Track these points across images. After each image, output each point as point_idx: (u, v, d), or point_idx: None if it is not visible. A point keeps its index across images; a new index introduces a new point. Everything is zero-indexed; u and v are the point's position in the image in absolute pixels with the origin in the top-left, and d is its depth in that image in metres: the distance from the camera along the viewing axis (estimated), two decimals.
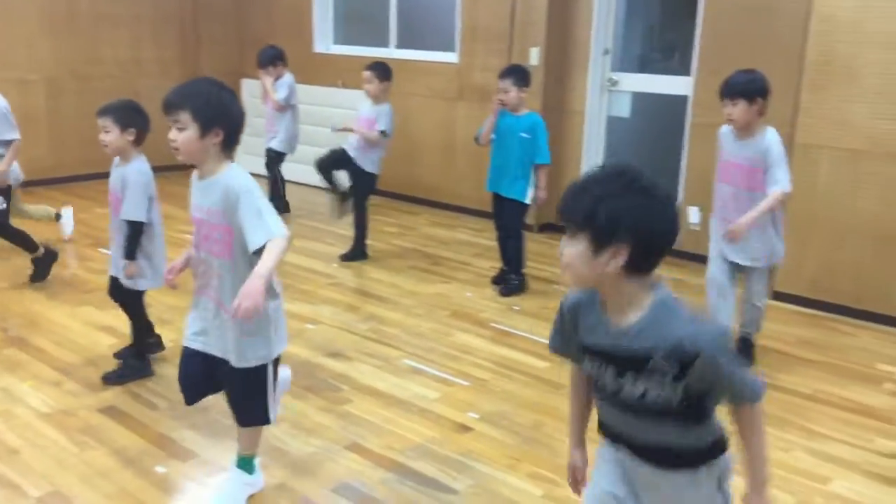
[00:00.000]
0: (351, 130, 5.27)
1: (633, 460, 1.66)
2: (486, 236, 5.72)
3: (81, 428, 3.09)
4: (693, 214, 5.41)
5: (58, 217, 5.53)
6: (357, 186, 5.35)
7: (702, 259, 5.23)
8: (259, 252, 2.25)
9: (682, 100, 5.56)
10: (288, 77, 6.29)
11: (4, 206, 4.62)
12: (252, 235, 2.26)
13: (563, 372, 3.60)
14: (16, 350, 3.79)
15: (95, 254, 5.28)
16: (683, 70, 5.59)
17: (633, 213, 1.45)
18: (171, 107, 2.29)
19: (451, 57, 6.68)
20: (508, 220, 4.82)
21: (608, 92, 6.00)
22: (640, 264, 1.49)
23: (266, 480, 2.76)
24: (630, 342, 1.53)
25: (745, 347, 3.80)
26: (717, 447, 1.64)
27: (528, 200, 4.75)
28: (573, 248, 1.50)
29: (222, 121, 2.30)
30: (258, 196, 2.31)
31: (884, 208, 4.37)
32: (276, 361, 2.55)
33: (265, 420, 2.57)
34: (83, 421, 3.15)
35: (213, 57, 8.08)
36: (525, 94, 4.67)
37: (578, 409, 1.83)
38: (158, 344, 3.71)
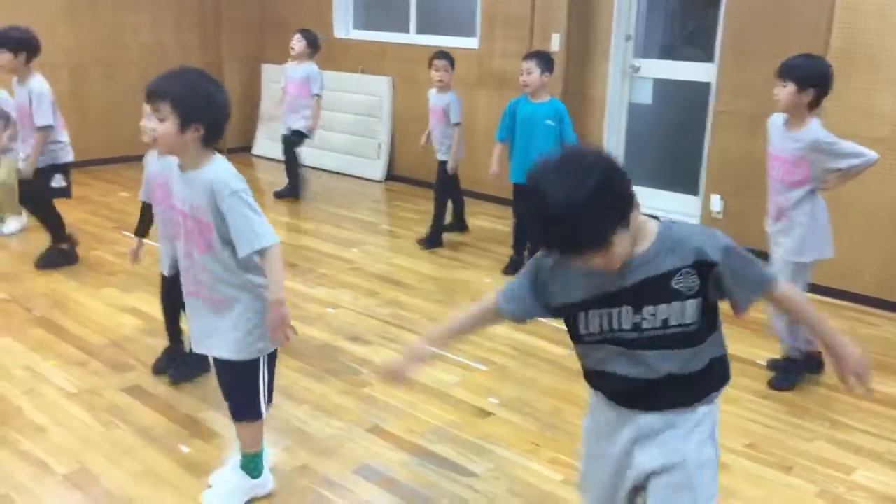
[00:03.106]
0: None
1: (632, 413, 1.70)
2: (505, 223, 5.71)
3: (107, 407, 3.14)
4: (715, 202, 5.38)
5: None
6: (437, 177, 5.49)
7: None
8: (249, 256, 2.26)
9: (704, 87, 5.51)
10: (316, 67, 6.28)
11: (64, 183, 4.63)
12: (242, 242, 2.23)
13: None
14: (41, 330, 3.84)
15: (119, 237, 5.32)
16: (706, 57, 5.54)
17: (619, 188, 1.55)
18: (152, 95, 2.21)
19: (471, 43, 6.66)
20: None
21: (630, 78, 5.96)
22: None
23: (288, 462, 2.79)
24: (648, 270, 1.58)
25: (785, 366, 3.53)
26: (722, 368, 1.72)
27: None
28: (615, 243, 1.55)
29: (204, 116, 2.21)
30: (246, 198, 2.24)
31: None
32: (272, 358, 2.49)
33: (258, 413, 2.49)
34: (108, 401, 3.19)
35: (233, 42, 8.10)
36: (547, 79, 4.66)
37: (462, 325, 1.92)
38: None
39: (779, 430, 3.09)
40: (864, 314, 4.43)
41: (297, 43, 6.23)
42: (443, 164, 5.42)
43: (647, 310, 1.60)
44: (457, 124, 5.29)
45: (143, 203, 3.41)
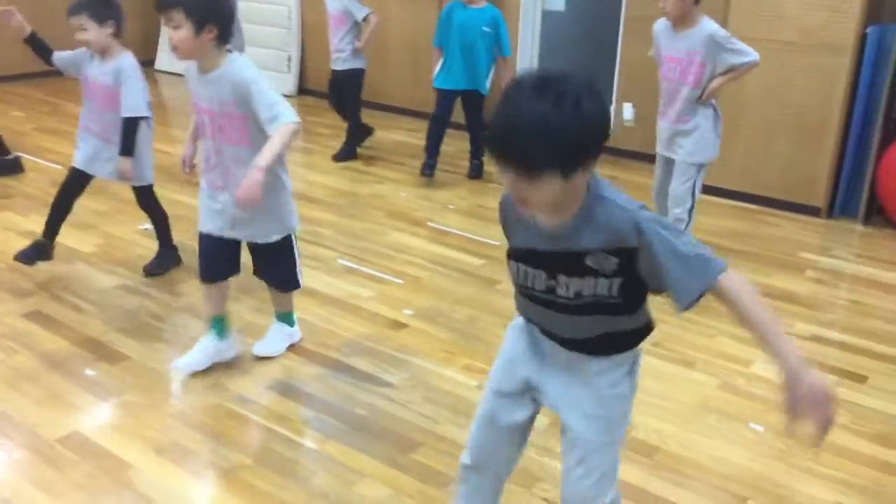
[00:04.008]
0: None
1: (559, 349, 1.65)
2: (420, 136, 5.63)
3: (6, 334, 3.01)
4: (627, 111, 5.42)
5: None
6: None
7: (635, 155, 5.29)
8: None
9: None
10: None
11: None
12: (268, 125, 2.41)
13: (498, 269, 3.66)
14: None
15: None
16: None
17: (568, 134, 1.33)
18: (164, 6, 2.36)
19: None
20: (480, 112, 4.89)
21: None
22: (577, 165, 1.37)
23: (200, 380, 2.75)
24: (564, 242, 1.48)
25: None
26: (642, 333, 1.65)
27: (486, 91, 4.82)
28: (545, 187, 1.37)
29: (215, 17, 2.39)
30: (266, 85, 2.43)
31: (811, 100, 4.43)
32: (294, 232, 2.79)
33: (296, 284, 2.86)
34: (7, 326, 3.06)
35: None
36: None
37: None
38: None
39: (682, 328, 3.20)
40: (768, 215, 4.59)
41: None
42: (346, 72, 5.22)
43: (561, 279, 1.51)
44: (365, 18, 5.09)
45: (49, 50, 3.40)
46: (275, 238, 2.71)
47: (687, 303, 1.43)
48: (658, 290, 1.50)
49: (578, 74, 1.37)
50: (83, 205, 3.75)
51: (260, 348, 2.93)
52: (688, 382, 2.88)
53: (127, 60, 3.27)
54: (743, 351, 3.05)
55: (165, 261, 3.60)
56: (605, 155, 5.46)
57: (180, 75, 7.36)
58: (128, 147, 3.29)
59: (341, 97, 5.35)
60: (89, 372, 2.80)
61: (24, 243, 3.79)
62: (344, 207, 4.50)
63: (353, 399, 2.70)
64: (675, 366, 2.97)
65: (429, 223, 4.30)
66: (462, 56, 4.69)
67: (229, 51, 2.50)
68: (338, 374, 2.85)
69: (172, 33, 2.38)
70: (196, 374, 2.77)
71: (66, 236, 3.54)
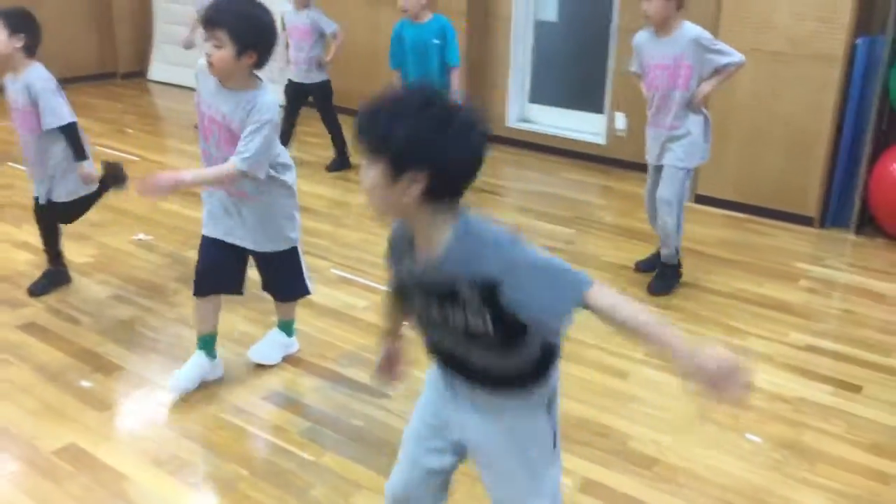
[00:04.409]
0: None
1: (466, 383, 1.61)
2: None
3: (1, 345, 3.00)
4: (619, 120, 5.45)
5: None
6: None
7: (628, 165, 5.32)
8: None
9: (608, 3, 5.50)
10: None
11: None
12: (233, 154, 2.45)
13: None
14: None
15: (5, 168, 5.02)
16: None
17: (432, 137, 1.35)
18: (210, 23, 2.36)
19: None
20: None
21: None
22: (441, 192, 1.39)
23: (195, 390, 2.74)
24: (437, 274, 1.45)
25: (663, 272, 3.69)
26: (542, 368, 1.58)
27: None
28: (371, 175, 1.39)
29: (258, 43, 2.40)
30: (267, 131, 2.45)
31: (802, 110, 4.47)
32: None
33: (306, 291, 2.88)
34: (2, 338, 3.05)
35: None
36: (426, 0, 4.56)
37: (391, 328, 1.80)
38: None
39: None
40: (761, 224, 4.62)
41: None
42: (316, 85, 5.27)
43: (447, 307, 1.47)
44: (334, 33, 5.16)
45: None
46: (271, 248, 2.70)
47: (559, 321, 1.40)
48: (533, 322, 1.44)
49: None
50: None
51: (255, 353, 2.92)
52: (684, 393, 2.88)
53: (35, 73, 3.14)
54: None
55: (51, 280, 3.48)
56: (598, 164, 5.51)
57: (174, 85, 7.40)
58: (79, 152, 3.21)
59: (298, 108, 5.37)
60: (85, 383, 2.78)
61: (19, 254, 3.78)
62: (338, 218, 4.51)
63: (350, 410, 2.70)
64: (670, 376, 2.98)
65: None
66: (418, 73, 4.63)
67: (261, 81, 2.53)
68: (335, 384, 2.85)
69: (213, 51, 2.37)
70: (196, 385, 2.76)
71: (63, 247, 3.53)
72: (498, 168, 5.62)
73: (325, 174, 5.29)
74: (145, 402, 2.71)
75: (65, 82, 3.31)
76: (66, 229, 3.51)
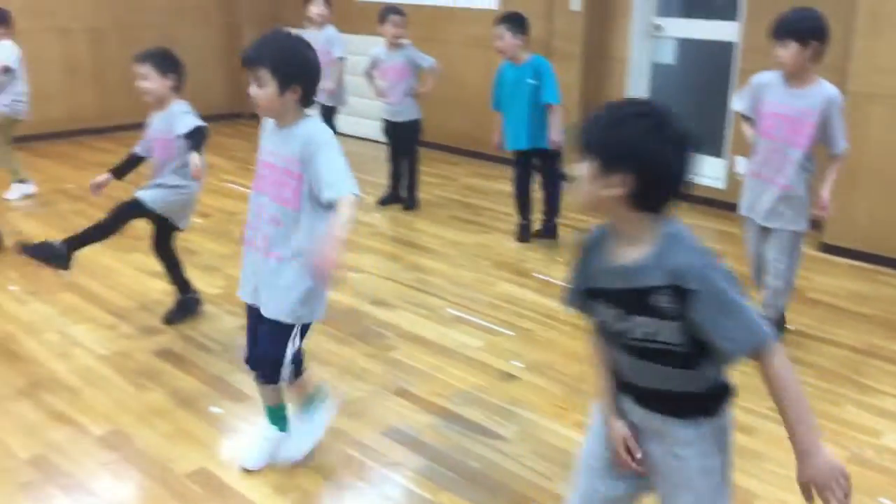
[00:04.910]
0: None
1: (638, 408, 1.65)
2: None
3: (138, 370, 3.19)
4: (739, 164, 5.32)
5: (20, 180, 5.41)
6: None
7: None
8: (331, 206, 2.25)
9: (729, 46, 5.43)
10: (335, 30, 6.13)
11: None
12: (327, 188, 2.27)
13: None
14: (71, 294, 3.90)
15: None
16: (730, 15, 5.45)
17: (642, 144, 1.47)
18: (250, 62, 2.31)
19: (489, 2, 6.58)
20: (551, 168, 4.79)
21: (652, 38, 5.88)
22: (647, 198, 1.50)
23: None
24: (633, 279, 1.53)
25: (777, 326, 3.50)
26: (718, 396, 1.62)
27: (550, 146, 4.70)
28: (583, 170, 1.53)
29: (300, 78, 2.32)
30: (337, 151, 2.33)
31: None
32: (304, 330, 2.50)
33: (276, 378, 2.50)
34: (139, 363, 3.24)
35: (252, 4, 8.05)
36: (521, 41, 4.57)
37: (608, 378, 1.74)
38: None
39: (806, 395, 3.08)
40: (891, 276, 4.40)
41: (322, 7, 5.89)
42: (410, 123, 5.36)
43: (633, 318, 1.55)
44: (430, 67, 5.28)
45: (135, 154, 3.63)
46: (281, 318, 2.42)
47: (733, 353, 1.48)
48: (710, 342, 1.49)
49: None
50: (208, 248, 3.98)
51: (286, 453, 2.63)
52: None
53: (178, 106, 3.39)
54: (872, 421, 2.92)
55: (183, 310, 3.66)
56: (717, 209, 5.37)
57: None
58: (197, 145, 3.32)
59: (399, 146, 5.48)
60: (215, 409, 2.93)
61: (154, 283, 4.02)
62: (452, 257, 4.58)
63: (465, 450, 2.72)
64: None
65: (536, 275, 4.33)
66: (517, 114, 4.65)
67: (308, 114, 2.43)
68: (449, 423, 2.88)
69: (257, 90, 2.32)
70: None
71: (193, 278, 3.73)
72: None
73: (439, 211, 5.39)
74: None
75: (205, 118, 3.53)
76: (197, 261, 3.70)
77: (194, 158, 3.28)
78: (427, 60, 5.27)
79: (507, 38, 4.51)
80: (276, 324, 2.42)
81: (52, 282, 4.03)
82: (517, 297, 4.01)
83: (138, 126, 7.19)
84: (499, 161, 6.56)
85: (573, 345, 3.50)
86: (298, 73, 2.32)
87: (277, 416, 2.63)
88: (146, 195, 3.47)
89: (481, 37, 6.61)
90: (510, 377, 3.22)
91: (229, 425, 2.84)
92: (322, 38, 5.68)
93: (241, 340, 3.40)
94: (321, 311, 2.49)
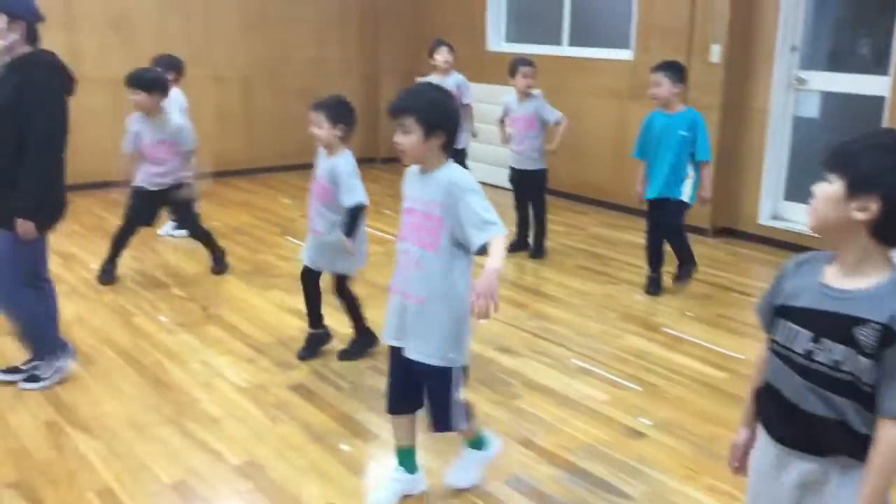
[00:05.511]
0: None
1: (790, 453, 1.63)
2: None
3: (274, 403, 3.33)
4: None
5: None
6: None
7: None
8: (481, 250, 2.36)
9: (878, 101, 5.19)
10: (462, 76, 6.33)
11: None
12: (477, 233, 2.36)
13: (743, 384, 3.49)
14: (214, 327, 4.13)
15: (283, 241, 5.63)
16: (880, 69, 5.22)
17: (888, 172, 1.46)
18: (397, 112, 2.43)
19: (625, 54, 6.59)
20: (671, 219, 4.71)
21: (795, 91, 5.70)
22: (887, 229, 1.49)
23: (441, 468, 2.85)
24: (848, 306, 1.51)
25: None
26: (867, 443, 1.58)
27: (688, 199, 4.63)
28: (824, 189, 1.53)
29: (444, 124, 2.43)
30: (480, 194, 2.42)
31: None
32: (465, 369, 2.59)
33: (447, 426, 2.57)
34: (275, 396, 3.39)
35: (389, 55, 8.40)
36: (679, 90, 4.54)
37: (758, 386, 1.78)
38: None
39: None
40: None
41: (447, 55, 6.16)
42: (538, 172, 5.40)
43: (825, 343, 1.54)
44: (557, 122, 5.30)
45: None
46: (431, 362, 2.49)
47: (885, 411, 1.48)
48: (876, 388, 1.49)
49: None
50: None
51: (453, 478, 2.76)
52: None
53: (342, 158, 3.54)
54: None
55: (361, 345, 3.80)
56: None
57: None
58: (351, 229, 3.52)
59: (525, 194, 5.51)
60: (345, 447, 3.01)
61: (291, 320, 4.20)
62: (578, 307, 4.55)
63: None
64: None
65: (665, 329, 4.23)
66: (661, 164, 4.58)
67: (449, 158, 2.52)
68: (573, 477, 2.85)
69: (402, 138, 2.43)
70: (436, 460, 2.89)
71: (326, 316, 3.87)
72: (748, 267, 5.41)
73: (566, 260, 5.38)
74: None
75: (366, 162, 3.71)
76: (333, 300, 3.84)
77: (347, 243, 3.51)
78: (554, 115, 5.31)
79: (665, 86, 4.51)
80: (431, 371, 2.49)
81: (199, 315, 4.30)
82: (645, 351, 3.93)
83: (282, 168, 7.70)
84: (626, 211, 6.51)
85: (703, 403, 3.39)
86: (442, 120, 2.42)
87: (408, 458, 2.70)
88: (329, 266, 3.71)
89: (612, 87, 6.63)
90: (637, 434, 3.15)
91: (358, 463, 2.92)
92: (451, 84, 5.86)
93: (371, 380, 3.55)
94: (467, 354, 2.57)
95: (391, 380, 2.65)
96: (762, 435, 1.75)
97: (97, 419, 3.18)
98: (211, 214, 6.29)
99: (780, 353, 1.64)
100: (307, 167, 7.63)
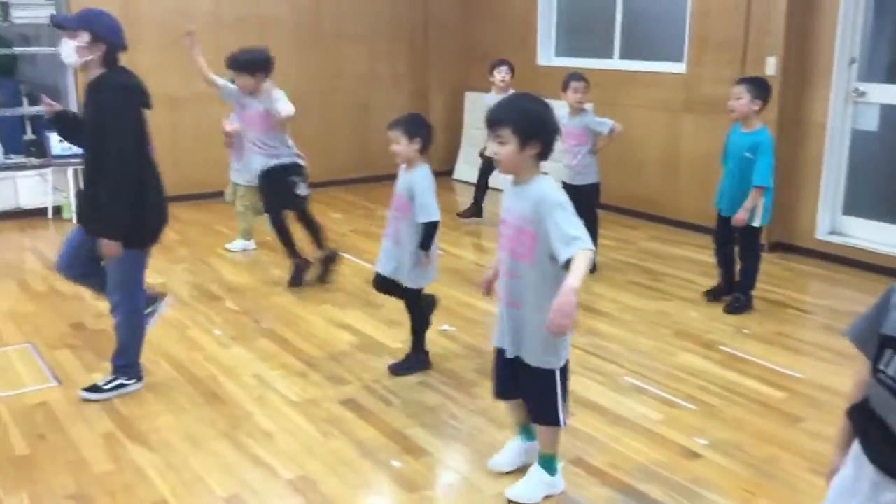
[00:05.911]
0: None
1: (892, 481, 1.57)
2: (709, 253, 5.49)
3: (326, 418, 3.35)
4: None
5: (246, 238, 5.88)
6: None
7: None
8: (567, 265, 2.40)
9: None
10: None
11: (308, 192, 5.10)
12: (563, 248, 2.42)
13: (802, 404, 3.42)
14: (267, 341, 4.18)
15: (342, 259, 5.68)
16: None
17: None
18: (494, 123, 2.51)
19: (677, 67, 6.51)
20: (745, 242, 4.62)
21: (853, 104, 5.56)
22: None
23: (493, 486, 2.84)
24: None
25: None
26: None
27: (757, 223, 4.51)
28: None
29: (540, 135, 2.50)
30: (570, 211, 2.49)
31: None
32: (565, 369, 2.69)
33: (556, 422, 2.70)
34: (327, 411, 3.41)
35: (440, 71, 8.44)
36: (758, 107, 4.43)
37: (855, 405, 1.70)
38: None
39: None
40: None
41: (506, 74, 6.33)
42: (590, 186, 5.33)
43: None
44: (611, 130, 5.23)
45: None
46: (530, 363, 2.66)
47: None
48: None
49: None
50: (392, 303, 4.13)
51: (514, 491, 2.77)
52: None
53: (420, 173, 3.59)
54: None
55: (414, 363, 3.79)
56: None
57: (473, 184, 7.98)
58: (426, 244, 3.58)
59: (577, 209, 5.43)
60: (396, 463, 3.01)
61: (342, 335, 4.23)
62: (630, 323, 4.49)
63: None
64: None
65: (721, 347, 4.14)
66: (731, 181, 4.51)
67: (545, 172, 2.61)
68: (628, 498, 2.80)
69: (498, 148, 2.50)
70: (488, 479, 2.87)
71: (377, 331, 3.90)
72: (805, 283, 5.28)
73: (617, 276, 5.31)
74: (448, 490, 2.86)
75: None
76: (382, 315, 3.86)
77: (423, 258, 3.59)
78: (605, 125, 5.26)
79: (745, 100, 4.41)
80: (542, 371, 2.64)
81: (252, 329, 4.35)
82: (700, 370, 3.86)
83: (332, 183, 7.76)
84: (679, 225, 6.42)
85: (761, 424, 3.31)
86: (537, 130, 2.49)
87: (525, 430, 2.90)
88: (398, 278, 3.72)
89: (664, 101, 6.56)
90: (693, 455, 3.08)
91: (410, 480, 2.91)
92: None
93: (421, 396, 3.55)
94: (566, 355, 2.68)
95: (496, 373, 2.82)
96: (855, 456, 1.67)
97: (154, 432, 3.23)
98: (261, 229, 6.39)
99: (887, 384, 1.57)
100: (358, 182, 7.75)
